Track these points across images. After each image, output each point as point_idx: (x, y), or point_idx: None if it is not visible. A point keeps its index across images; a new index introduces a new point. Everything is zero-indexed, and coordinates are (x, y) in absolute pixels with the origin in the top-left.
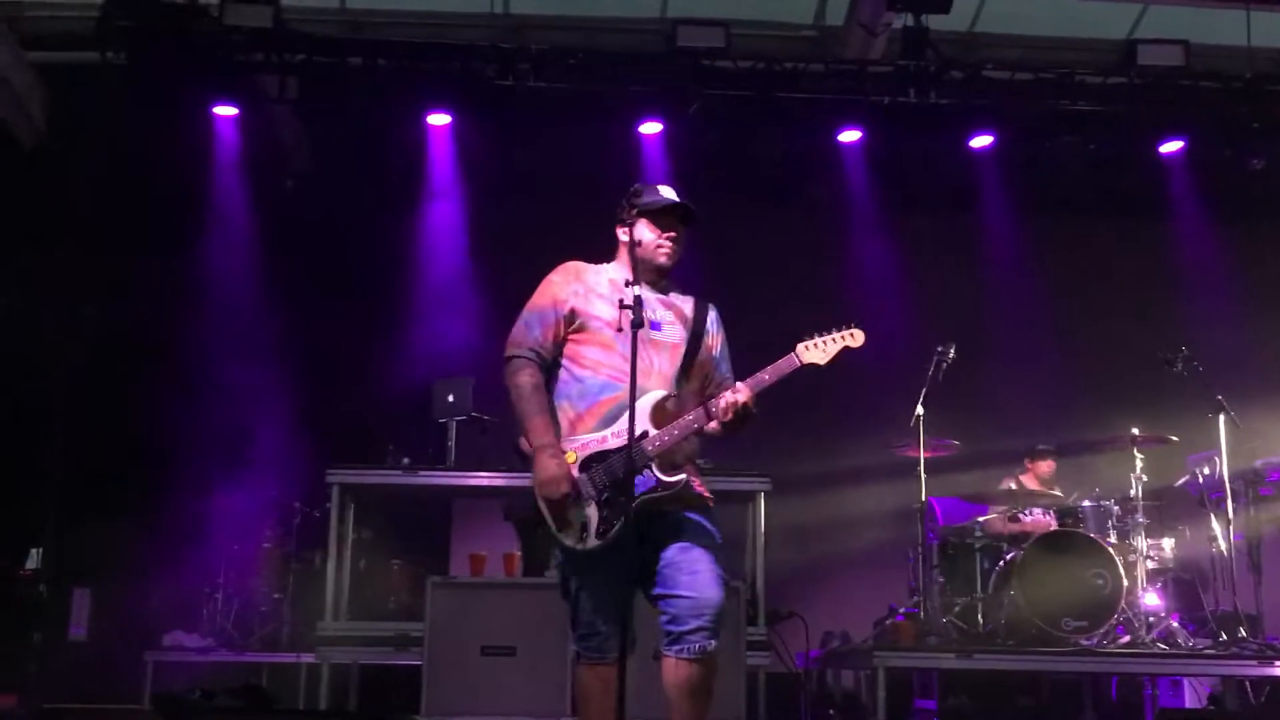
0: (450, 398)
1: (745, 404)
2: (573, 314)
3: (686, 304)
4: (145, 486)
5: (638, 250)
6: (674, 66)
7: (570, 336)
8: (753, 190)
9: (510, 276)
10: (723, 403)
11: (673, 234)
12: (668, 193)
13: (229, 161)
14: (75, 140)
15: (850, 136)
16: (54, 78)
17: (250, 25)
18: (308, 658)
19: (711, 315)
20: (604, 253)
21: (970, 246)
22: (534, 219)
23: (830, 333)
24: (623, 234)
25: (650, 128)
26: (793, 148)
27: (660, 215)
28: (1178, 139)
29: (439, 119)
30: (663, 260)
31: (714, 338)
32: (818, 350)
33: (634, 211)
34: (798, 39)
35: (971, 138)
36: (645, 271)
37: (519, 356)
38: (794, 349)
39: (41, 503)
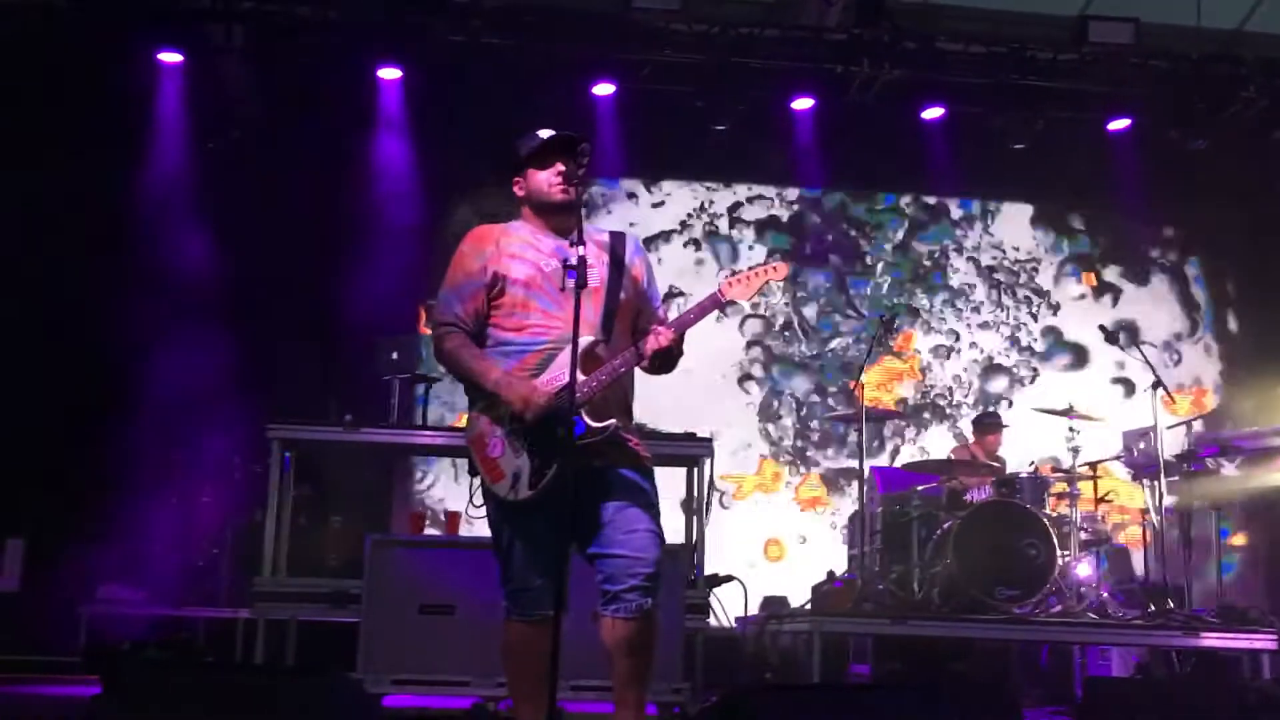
0: (394, 355)
1: (667, 346)
2: (494, 279)
3: (601, 237)
4: (82, 439)
5: (537, 197)
6: (630, 28)
7: (491, 304)
8: (704, 154)
9: (454, 236)
10: (647, 346)
11: (560, 169)
12: (546, 134)
13: (173, 109)
14: (15, 83)
15: (804, 104)
16: None
17: None
18: (245, 613)
19: (630, 245)
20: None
21: (919, 219)
22: (484, 177)
23: (754, 268)
24: (518, 189)
25: (603, 89)
26: (746, 113)
27: (543, 156)
28: (1125, 117)
29: (389, 73)
30: (559, 197)
31: (638, 269)
32: (741, 286)
33: (521, 161)
34: (754, 4)
35: (923, 109)
36: (551, 217)
37: (444, 331)
38: (718, 287)
39: None
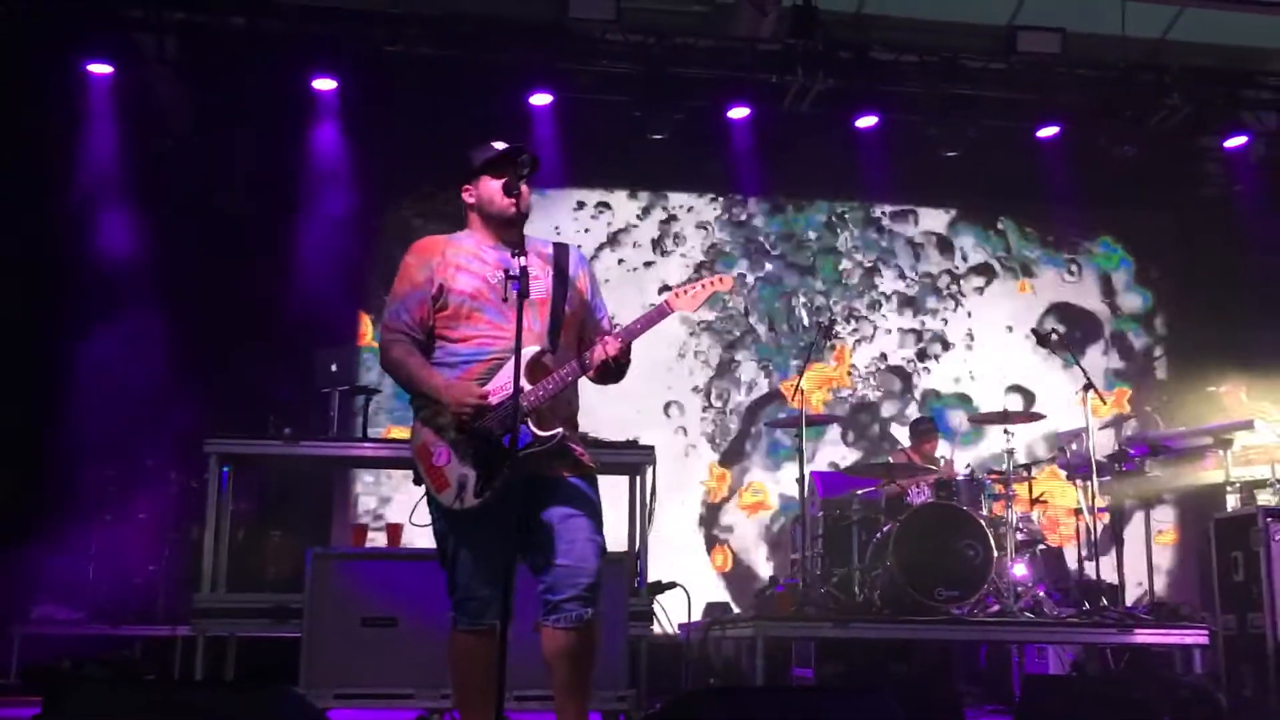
0: (333, 367)
1: (615, 356)
2: (440, 291)
3: (546, 249)
4: (12, 455)
5: (487, 207)
6: (566, 38)
7: (437, 315)
8: (642, 164)
9: (396, 245)
10: (594, 356)
11: (512, 181)
12: (501, 145)
13: (103, 120)
14: None
15: (739, 113)
16: None
17: None
18: (184, 630)
19: (574, 256)
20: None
21: (851, 225)
22: (421, 188)
23: (699, 280)
24: (468, 196)
25: (540, 99)
26: (683, 123)
27: (500, 165)
28: (1054, 124)
29: (324, 84)
30: (511, 209)
31: (583, 280)
32: (687, 298)
33: (474, 169)
34: (689, 14)
35: (857, 118)
36: (498, 228)
37: (391, 339)
38: (665, 299)
39: None
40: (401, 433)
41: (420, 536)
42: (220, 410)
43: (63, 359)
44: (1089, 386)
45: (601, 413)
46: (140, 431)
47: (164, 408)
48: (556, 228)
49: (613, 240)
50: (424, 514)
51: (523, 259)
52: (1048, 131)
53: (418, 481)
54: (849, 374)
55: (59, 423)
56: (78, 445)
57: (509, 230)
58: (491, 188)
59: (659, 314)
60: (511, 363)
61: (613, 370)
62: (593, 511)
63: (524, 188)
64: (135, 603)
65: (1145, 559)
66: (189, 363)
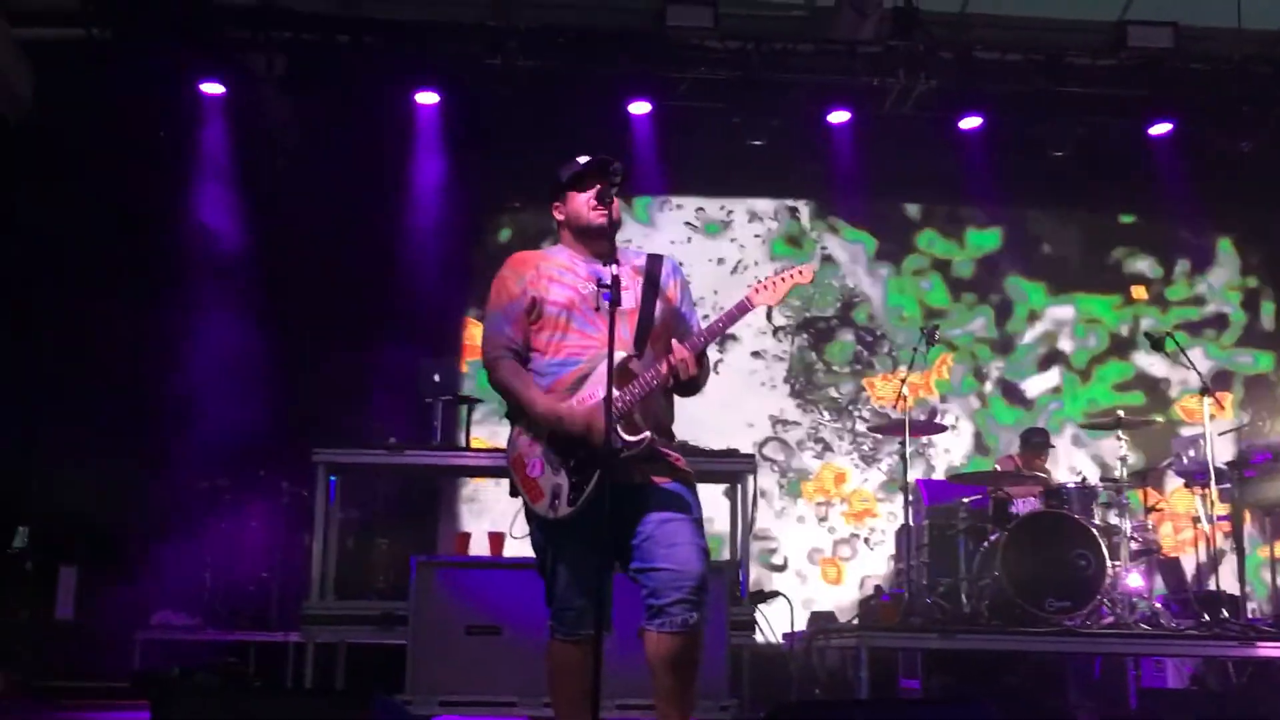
0: (436, 377)
1: (678, 365)
2: (533, 304)
3: (639, 260)
4: (132, 467)
5: (576, 222)
6: (664, 46)
7: (530, 326)
8: (743, 170)
9: (500, 257)
10: (673, 360)
11: (599, 192)
12: (584, 159)
13: (217, 138)
14: (61, 119)
15: (839, 117)
16: (40, 55)
17: (238, 2)
18: (295, 637)
19: (667, 267)
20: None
21: (957, 230)
22: (523, 198)
23: (780, 273)
24: (558, 213)
25: (639, 107)
26: (781, 128)
27: (582, 179)
28: (1167, 121)
29: (427, 97)
30: (598, 220)
31: (673, 290)
32: (768, 292)
33: (561, 186)
34: (788, 19)
35: (960, 119)
36: (587, 241)
37: (497, 356)
38: (746, 295)
39: (27, 482)
40: (485, 443)
41: (524, 545)
42: (329, 422)
43: (181, 373)
44: (1206, 390)
45: (710, 422)
46: (253, 441)
47: (275, 421)
48: (654, 233)
49: (710, 246)
50: (523, 526)
51: (614, 267)
52: (1160, 129)
53: (514, 493)
54: (936, 385)
55: (175, 436)
56: (194, 458)
57: (599, 242)
58: (579, 201)
59: (740, 310)
60: (599, 370)
61: (687, 383)
62: (691, 516)
63: (613, 198)
64: (249, 609)
65: (1270, 569)
66: (297, 372)
